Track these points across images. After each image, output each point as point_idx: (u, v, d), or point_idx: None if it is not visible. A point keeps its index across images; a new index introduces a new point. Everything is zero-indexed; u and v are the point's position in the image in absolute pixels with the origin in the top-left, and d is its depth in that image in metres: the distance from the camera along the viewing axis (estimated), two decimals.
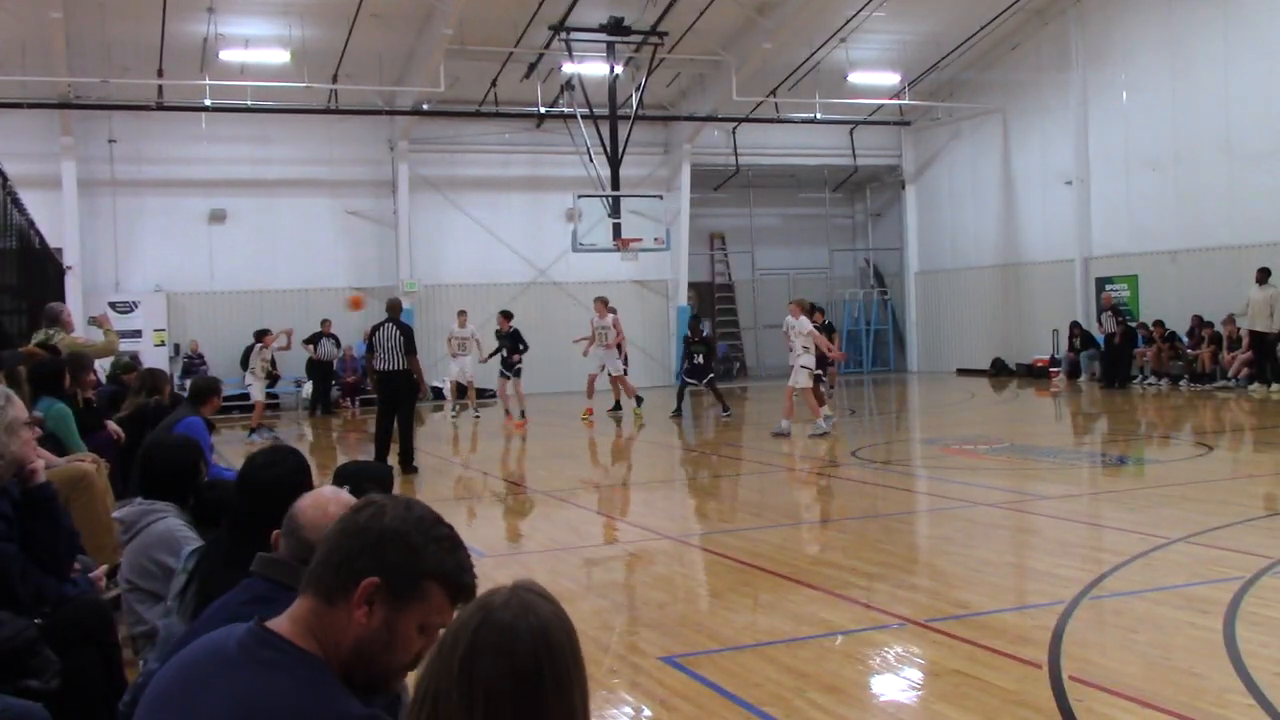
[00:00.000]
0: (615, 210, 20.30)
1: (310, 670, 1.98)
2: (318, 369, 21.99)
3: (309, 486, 3.24)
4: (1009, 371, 25.55)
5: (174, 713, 2.00)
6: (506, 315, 19.36)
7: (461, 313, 20.38)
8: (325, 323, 22.14)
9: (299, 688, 1.95)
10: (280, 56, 21.34)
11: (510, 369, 18.87)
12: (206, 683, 1.99)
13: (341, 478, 3.81)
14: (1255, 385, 19.15)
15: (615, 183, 20.94)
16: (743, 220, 28.88)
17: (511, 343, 18.97)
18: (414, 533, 2.00)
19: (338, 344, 22.36)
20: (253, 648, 2.00)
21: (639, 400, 18.90)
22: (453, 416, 20.16)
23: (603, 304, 19.19)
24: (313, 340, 21.95)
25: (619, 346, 19.00)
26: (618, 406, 19.45)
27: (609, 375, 18.99)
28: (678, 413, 18.52)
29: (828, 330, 20.23)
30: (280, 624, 2.03)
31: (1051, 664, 5.05)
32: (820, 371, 15.94)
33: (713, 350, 18.83)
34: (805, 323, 15.14)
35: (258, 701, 1.93)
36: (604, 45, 21.07)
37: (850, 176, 28.74)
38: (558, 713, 1.69)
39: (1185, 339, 21.19)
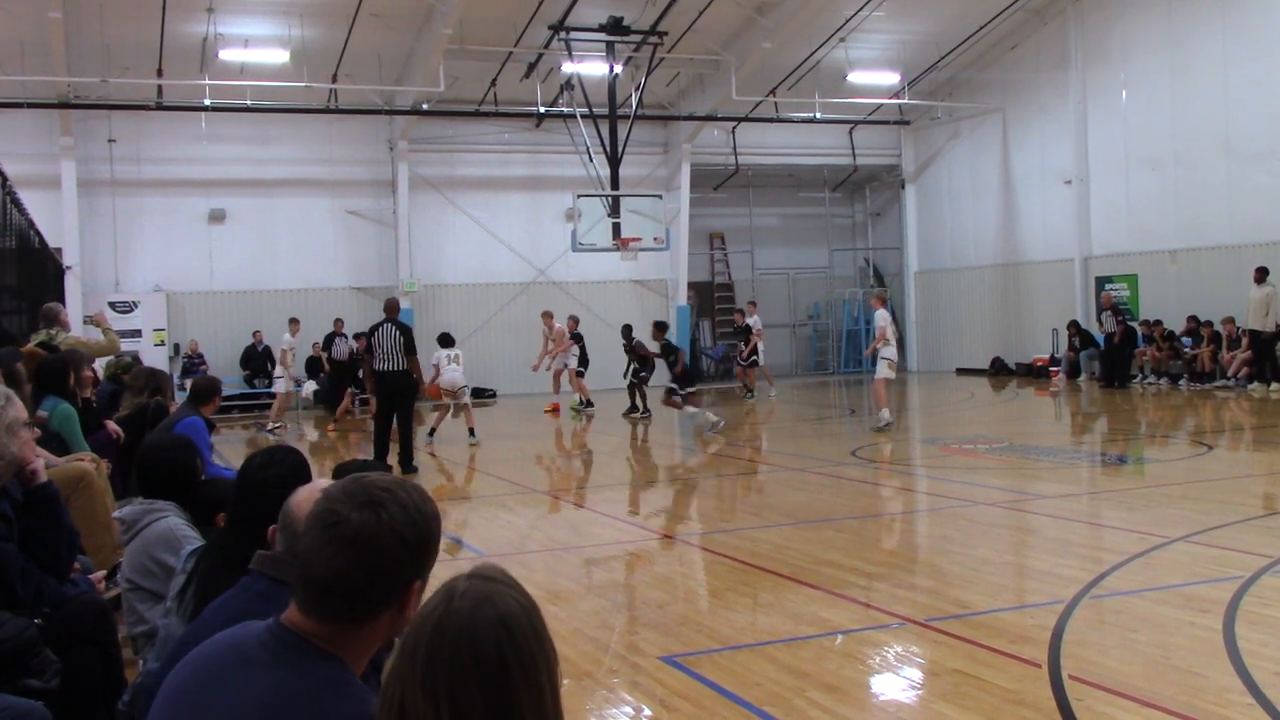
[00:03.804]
0: (615, 210, 20.31)
1: (335, 670, 1.95)
2: (336, 369, 21.24)
3: None
4: (1009, 371, 25.55)
5: (194, 712, 1.96)
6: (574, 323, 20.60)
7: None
8: (338, 322, 21.91)
9: (325, 688, 1.92)
10: (280, 56, 21.31)
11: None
12: (228, 681, 1.95)
13: (341, 476, 3.79)
14: (1255, 384, 19.16)
15: (615, 182, 20.95)
16: (742, 220, 28.89)
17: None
18: (420, 520, 1.96)
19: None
20: (274, 646, 1.96)
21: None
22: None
23: (549, 317, 20.48)
24: (328, 344, 21.55)
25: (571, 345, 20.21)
26: (588, 403, 19.97)
27: (567, 371, 20.16)
28: (632, 410, 19.05)
29: (672, 350, 18.61)
30: (300, 623, 1.98)
31: (1051, 663, 5.05)
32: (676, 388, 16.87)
33: (633, 353, 19.06)
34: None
35: (282, 700, 1.90)
36: (603, 45, 21.08)
37: (850, 176, 28.74)
38: (527, 697, 1.67)
39: (1187, 341, 21.18)
